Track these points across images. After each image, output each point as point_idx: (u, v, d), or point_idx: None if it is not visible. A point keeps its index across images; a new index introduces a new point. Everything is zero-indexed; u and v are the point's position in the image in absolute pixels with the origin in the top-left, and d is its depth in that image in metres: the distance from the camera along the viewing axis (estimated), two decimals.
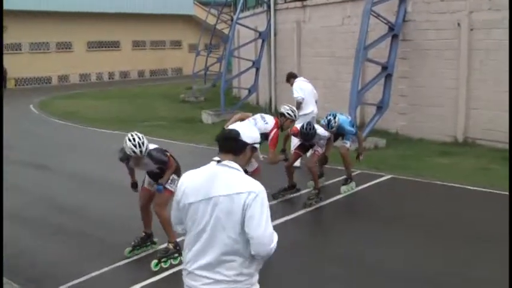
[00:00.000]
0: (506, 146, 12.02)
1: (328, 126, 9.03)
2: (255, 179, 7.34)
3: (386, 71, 14.21)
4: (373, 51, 14.01)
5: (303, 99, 11.35)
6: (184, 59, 44.70)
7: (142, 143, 6.11)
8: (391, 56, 14.22)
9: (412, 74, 14.44)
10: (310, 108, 11.45)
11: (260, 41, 20.61)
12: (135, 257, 6.85)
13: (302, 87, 11.52)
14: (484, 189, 9.47)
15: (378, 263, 6.54)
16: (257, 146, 3.54)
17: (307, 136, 8.67)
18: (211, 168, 3.39)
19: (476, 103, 13.14)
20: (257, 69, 20.55)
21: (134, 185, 6.85)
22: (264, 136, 7.62)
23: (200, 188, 3.35)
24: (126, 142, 6.12)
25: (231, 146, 3.42)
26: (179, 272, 6.29)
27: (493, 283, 5.88)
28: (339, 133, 9.50)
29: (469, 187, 9.67)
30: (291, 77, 11.94)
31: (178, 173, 6.64)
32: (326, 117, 9.22)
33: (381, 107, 14.30)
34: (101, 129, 18.00)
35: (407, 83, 14.55)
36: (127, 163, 6.44)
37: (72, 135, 17.51)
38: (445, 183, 9.96)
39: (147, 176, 6.83)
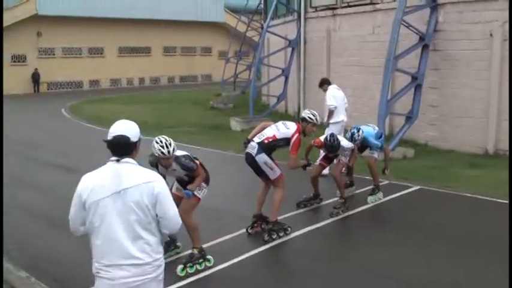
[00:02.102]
0: None
1: (351, 139, 9.04)
2: (278, 186, 7.42)
3: (416, 81, 14.11)
4: (403, 61, 13.92)
5: (336, 107, 11.34)
6: (214, 66, 44.97)
7: (170, 144, 6.22)
8: (421, 66, 14.12)
9: (442, 85, 14.31)
10: (341, 116, 11.45)
11: (290, 49, 20.66)
12: None
13: (335, 95, 11.51)
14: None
15: (402, 273, 6.49)
16: None
17: (331, 148, 8.68)
18: (112, 167, 3.78)
19: (507, 114, 12.96)
20: (286, 77, 20.58)
21: None
22: (286, 141, 7.63)
23: (106, 185, 3.72)
24: (153, 145, 6.24)
25: (124, 151, 3.81)
26: (204, 278, 6.38)
27: None
28: (364, 145, 9.49)
29: (498, 200, 9.51)
30: (324, 83, 11.94)
31: (207, 181, 6.71)
32: (350, 130, 9.23)
33: (410, 117, 14.20)
34: None
35: (438, 94, 14.42)
36: (157, 167, 6.51)
37: (100, 138, 17.66)
38: (474, 196, 9.84)
39: (176, 181, 6.89)
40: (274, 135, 7.63)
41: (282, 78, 20.70)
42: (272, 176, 7.66)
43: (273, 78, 21.81)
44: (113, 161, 3.79)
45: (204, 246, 6.76)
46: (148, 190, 3.73)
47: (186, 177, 6.65)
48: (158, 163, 6.44)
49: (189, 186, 6.53)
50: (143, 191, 3.72)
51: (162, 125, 20.17)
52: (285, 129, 7.72)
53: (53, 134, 18.70)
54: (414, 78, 14.14)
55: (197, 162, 6.66)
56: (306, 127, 7.89)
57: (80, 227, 3.97)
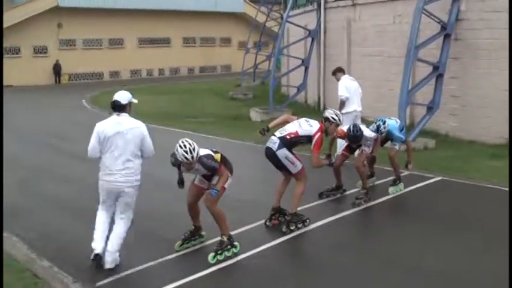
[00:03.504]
0: None
1: (377, 131, 9.03)
2: (300, 180, 7.44)
3: (438, 71, 13.98)
4: (424, 50, 13.81)
5: (347, 98, 11.36)
6: (234, 56, 44.95)
7: (193, 149, 6.25)
8: (443, 56, 13.99)
9: (463, 75, 14.17)
10: (352, 107, 11.47)
11: (310, 39, 20.57)
12: (184, 251, 6.97)
13: (348, 86, 11.52)
14: None
15: (422, 263, 6.48)
16: None
17: (355, 138, 8.67)
18: (115, 118, 6.53)
19: None
20: (306, 68, 20.51)
21: (181, 182, 6.70)
22: (307, 139, 7.61)
23: (113, 127, 6.43)
24: (177, 149, 6.27)
25: (120, 109, 6.57)
26: (232, 265, 6.45)
27: None
28: (387, 137, 9.47)
29: None
30: (338, 71, 11.97)
31: (231, 171, 6.74)
32: (375, 123, 9.19)
33: (431, 108, 14.09)
34: (150, 124, 18.25)
35: (459, 84, 14.29)
36: (179, 167, 6.57)
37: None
38: (496, 187, 9.76)
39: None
40: (296, 132, 7.62)
41: (302, 69, 20.62)
42: (294, 170, 7.66)
43: (292, 69, 21.75)
44: (115, 114, 6.54)
45: (232, 233, 6.87)
46: (136, 132, 6.48)
47: (208, 172, 6.68)
48: (181, 164, 6.48)
49: (215, 186, 6.53)
50: (134, 132, 6.46)
51: (183, 115, 20.28)
52: (308, 127, 7.68)
53: (75, 124, 18.87)
54: (435, 68, 14.02)
55: (218, 156, 6.67)
56: (329, 127, 7.85)
57: (97, 153, 6.53)
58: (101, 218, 6.68)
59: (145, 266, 6.56)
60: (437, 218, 8.24)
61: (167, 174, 8.34)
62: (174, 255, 6.87)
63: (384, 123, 9.13)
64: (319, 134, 7.59)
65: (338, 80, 11.77)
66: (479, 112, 13.88)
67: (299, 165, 7.64)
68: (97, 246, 6.47)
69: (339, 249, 7.07)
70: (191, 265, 6.55)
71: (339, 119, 7.92)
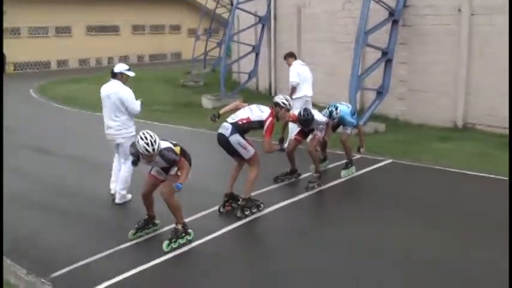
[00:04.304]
0: (505, 132, 12.15)
1: (330, 117, 9.16)
2: (253, 165, 7.59)
3: (386, 56, 14.23)
4: (374, 36, 13.99)
5: (298, 84, 11.49)
6: (184, 44, 44.61)
7: (155, 141, 6.20)
8: (391, 41, 14.23)
9: (411, 60, 14.46)
10: (303, 92, 11.61)
11: (260, 26, 20.58)
12: (138, 240, 6.93)
13: (299, 72, 11.62)
14: (482, 174, 9.54)
15: (376, 244, 6.61)
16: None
17: (305, 122, 8.77)
18: (108, 83, 8.12)
19: (475, 89, 13.19)
20: (257, 54, 20.52)
21: (135, 162, 6.67)
22: (260, 124, 7.66)
23: (104, 90, 8.12)
24: (138, 141, 6.21)
25: (113, 76, 8.10)
26: (187, 252, 6.46)
27: (489, 263, 5.98)
28: (339, 122, 9.60)
29: (467, 172, 9.74)
30: (289, 57, 12.06)
31: (189, 163, 6.73)
32: (328, 109, 9.31)
33: (380, 92, 14.34)
34: (100, 114, 18.02)
35: (407, 69, 14.57)
36: (138, 158, 6.51)
37: (72, 119, 17.56)
38: (445, 168, 10.03)
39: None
40: (248, 118, 7.65)
41: (253, 56, 20.63)
42: (246, 156, 7.71)
43: (243, 56, 21.74)
44: (111, 80, 8.10)
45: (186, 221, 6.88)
46: (117, 95, 7.96)
47: (167, 164, 6.64)
48: (140, 156, 6.42)
49: (179, 180, 6.47)
50: (115, 95, 7.98)
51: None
52: (259, 112, 7.73)
53: (23, 115, 18.43)
54: (384, 53, 14.26)
55: (178, 149, 6.63)
56: (279, 112, 7.89)
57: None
58: (114, 164, 8.58)
59: (100, 255, 6.48)
60: (388, 200, 8.41)
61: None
62: (129, 243, 6.82)
63: (336, 108, 9.25)
64: (270, 119, 7.65)
65: (289, 65, 11.85)
66: (428, 96, 14.19)
67: (251, 151, 7.69)
68: (112, 187, 8.56)
69: (291, 234, 7.13)
70: (146, 253, 6.51)
71: (289, 104, 7.99)
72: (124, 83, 8.13)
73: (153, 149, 6.20)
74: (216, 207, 7.90)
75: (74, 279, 5.94)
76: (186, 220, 6.98)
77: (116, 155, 8.48)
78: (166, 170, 6.74)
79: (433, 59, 13.93)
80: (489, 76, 12.80)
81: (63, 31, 40.66)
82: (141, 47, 44.70)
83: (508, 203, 6.97)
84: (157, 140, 6.27)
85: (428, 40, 14.01)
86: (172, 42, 46.58)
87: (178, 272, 6.18)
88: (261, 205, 7.86)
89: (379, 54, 14.38)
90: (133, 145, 6.44)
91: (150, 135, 6.23)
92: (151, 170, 6.92)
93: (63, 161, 11.54)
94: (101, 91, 8.15)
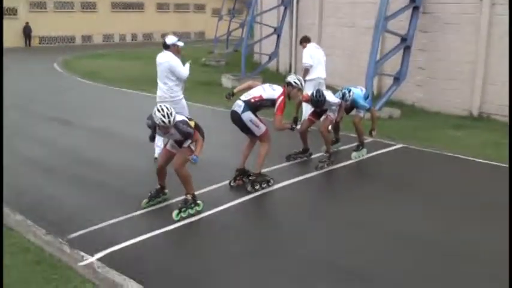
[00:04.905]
0: None
1: (342, 98, 9.43)
2: (264, 141, 7.88)
3: (405, 43, 14.31)
4: (393, 22, 14.08)
5: (311, 66, 11.68)
6: (207, 23, 44.83)
7: (171, 114, 6.53)
8: (411, 28, 14.30)
9: (430, 47, 14.52)
10: (315, 73, 11.76)
11: (282, 8, 20.69)
12: (150, 208, 7.25)
13: (312, 54, 11.79)
14: (491, 163, 9.67)
15: (380, 224, 6.84)
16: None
17: (317, 103, 9.06)
18: (161, 53, 9.04)
19: (493, 78, 13.23)
20: (278, 36, 20.66)
21: (152, 138, 7.21)
22: (271, 102, 7.90)
23: (158, 59, 9.05)
24: (155, 112, 6.54)
25: (166, 48, 9.02)
26: (196, 221, 6.79)
27: (487, 244, 6.18)
28: (352, 105, 9.80)
29: (477, 160, 9.87)
30: (304, 41, 12.22)
31: (203, 136, 7.01)
32: (341, 91, 9.55)
33: (398, 78, 14.44)
34: (122, 89, 18.39)
35: (426, 56, 14.63)
36: (154, 130, 6.87)
37: (94, 93, 17.92)
38: (455, 155, 10.16)
39: (170, 139, 7.18)
40: (260, 95, 7.89)
41: (274, 37, 20.77)
42: (258, 133, 7.97)
43: (265, 37, 21.87)
44: (163, 51, 9.02)
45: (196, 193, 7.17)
46: (166, 64, 8.88)
47: (182, 137, 6.92)
48: (156, 127, 6.74)
49: (194, 153, 6.78)
50: (165, 64, 8.90)
51: (155, 80, 20.26)
52: (271, 91, 7.97)
53: (47, 88, 18.84)
54: (403, 39, 14.33)
55: (192, 123, 6.93)
56: (291, 91, 8.11)
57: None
58: None
59: (114, 220, 6.81)
60: (396, 182, 8.61)
61: (136, 133, 8.52)
62: (141, 211, 7.14)
63: (349, 91, 9.48)
64: (282, 97, 7.89)
65: (304, 48, 12.04)
66: (445, 84, 14.27)
67: (263, 128, 7.96)
68: (156, 151, 9.25)
69: (299, 209, 7.39)
70: (158, 220, 6.83)
71: (301, 84, 8.21)
72: (175, 53, 9.07)
73: (169, 121, 6.52)
74: (227, 181, 8.19)
75: (89, 240, 6.28)
76: (198, 192, 7.29)
77: None
78: (180, 144, 7.04)
79: (452, 47, 13.98)
80: (507, 66, 12.83)
81: (89, 6, 41.07)
82: (165, 25, 44.94)
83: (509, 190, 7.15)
84: (173, 113, 6.58)
85: (448, 28, 14.05)
86: (196, 22, 46.80)
87: (188, 239, 6.47)
88: (271, 181, 8.13)
89: (398, 41, 14.47)
90: (150, 117, 6.76)
91: (167, 108, 6.57)
92: (166, 144, 7.27)
93: (82, 132, 11.90)
94: (156, 59, 9.17)
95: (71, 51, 33.54)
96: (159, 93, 9.14)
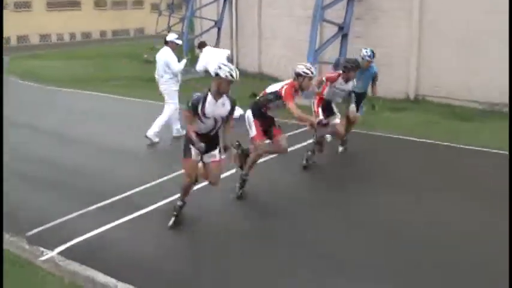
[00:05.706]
0: (453, 102, 12.90)
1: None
2: (253, 147, 7.43)
3: (343, 31, 14.77)
4: (331, 11, 14.50)
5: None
6: (146, 19, 44.38)
7: (235, 69, 6.26)
8: (347, 16, 14.76)
9: (366, 34, 15.00)
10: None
11: (222, 0, 20.87)
12: (106, 201, 7.43)
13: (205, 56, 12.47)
14: (426, 140, 10.37)
15: (324, 205, 7.25)
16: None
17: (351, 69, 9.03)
18: (162, 49, 10.82)
19: (426, 62, 13.85)
20: (219, 29, 20.86)
21: (202, 149, 6.35)
22: (275, 96, 7.44)
23: (158, 54, 10.89)
24: (221, 68, 6.17)
25: (165, 44, 10.74)
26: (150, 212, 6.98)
27: (424, 224, 6.64)
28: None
29: (414, 139, 10.49)
30: (201, 46, 12.91)
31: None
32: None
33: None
34: (64, 89, 18.16)
35: (363, 43, 15.03)
36: (195, 111, 6.26)
37: (34, 94, 17.65)
38: (392, 136, 10.83)
39: (193, 148, 6.44)
40: (264, 91, 7.61)
41: (215, 30, 20.96)
42: (249, 134, 7.61)
43: (206, 30, 22.04)
44: (164, 46, 10.71)
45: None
46: (162, 58, 10.63)
47: (221, 120, 6.44)
48: (204, 100, 6.24)
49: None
50: (161, 58, 10.66)
51: (95, 78, 20.11)
52: (275, 86, 7.57)
53: None
54: (341, 28, 14.79)
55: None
56: (303, 82, 7.37)
57: None
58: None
59: (71, 216, 6.99)
60: (336, 166, 9.16)
61: (81, 132, 8.46)
62: (97, 205, 7.32)
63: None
64: (285, 87, 7.37)
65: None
66: (382, 69, 14.66)
67: (252, 133, 7.56)
68: (174, 131, 11.22)
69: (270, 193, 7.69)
70: (115, 213, 6.98)
71: (311, 72, 7.41)
72: (173, 49, 10.65)
73: (237, 75, 6.19)
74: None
75: (48, 236, 6.43)
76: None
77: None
78: (206, 151, 6.48)
79: (387, 33, 14.51)
80: (438, 50, 13.45)
81: (22, 6, 40.11)
82: (103, 23, 44.35)
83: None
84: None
85: (381, 15, 14.56)
86: (135, 18, 46.29)
87: (146, 228, 6.67)
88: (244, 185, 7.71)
89: (336, 29, 14.89)
90: (195, 94, 6.27)
91: (230, 64, 6.36)
92: (191, 155, 6.53)
93: (29, 131, 11.84)
94: (156, 56, 10.96)
95: (6, 52, 32.69)
96: (159, 83, 10.99)
